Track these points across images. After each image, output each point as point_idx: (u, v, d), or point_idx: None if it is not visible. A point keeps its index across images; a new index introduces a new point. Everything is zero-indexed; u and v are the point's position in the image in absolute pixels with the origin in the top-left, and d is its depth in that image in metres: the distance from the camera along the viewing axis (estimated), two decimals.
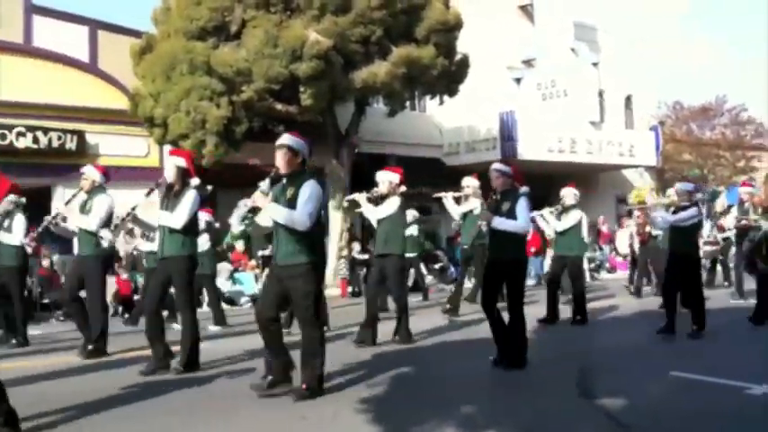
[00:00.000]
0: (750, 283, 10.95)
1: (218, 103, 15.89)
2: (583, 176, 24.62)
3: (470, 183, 11.24)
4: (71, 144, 16.95)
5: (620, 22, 26.89)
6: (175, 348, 7.23)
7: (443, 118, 22.49)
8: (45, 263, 14.93)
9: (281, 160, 5.83)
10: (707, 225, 14.69)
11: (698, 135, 33.38)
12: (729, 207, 13.64)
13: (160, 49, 16.52)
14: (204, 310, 12.57)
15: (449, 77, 17.62)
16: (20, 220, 9.36)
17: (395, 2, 16.13)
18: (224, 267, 16.14)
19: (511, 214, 6.95)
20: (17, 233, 9.29)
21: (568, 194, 10.58)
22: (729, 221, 12.78)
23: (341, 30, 15.59)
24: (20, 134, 16.35)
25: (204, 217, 11.39)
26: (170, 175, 7.14)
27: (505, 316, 7.05)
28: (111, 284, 14.34)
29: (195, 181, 7.20)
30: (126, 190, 13.02)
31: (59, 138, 16.79)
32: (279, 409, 5.55)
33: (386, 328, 8.99)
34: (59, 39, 17.45)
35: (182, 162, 7.17)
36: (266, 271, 9.51)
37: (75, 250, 8.58)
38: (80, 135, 17.10)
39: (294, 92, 15.92)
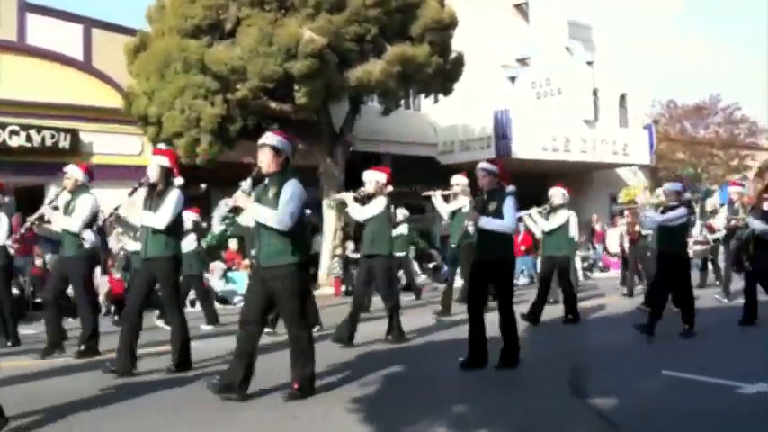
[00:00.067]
0: (740, 284, 10.96)
1: (213, 102, 15.86)
2: (577, 175, 24.71)
3: (459, 181, 11.17)
4: (65, 143, 16.88)
5: (616, 21, 26.99)
6: (166, 348, 7.23)
7: (438, 116, 22.49)
8: (38, 262, 14.89)
9: (263, 160, 5.79)
10: (697, 225, 14.72)
11: (692, 134, 33.44)
12: (722, 206, 13.66)
13: (154, 48, 16.49)
14: (196, 309, 12.57)
15: (443, 76, 17.62)
16: (2, 221, 9.19)
17: (389, 0, 16.12)
18: (217, 266, 16.14)
19: (497, 214, 6.93)
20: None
21: (557, 194, 10.57)
22: (720, 222, 12.79)
23: (335, 28, 15.57)
24: (13, 133, 16.27)
25: (191, 217, 11.38)
26: (153, 174, 7.05)
27: (493, 316, 7.06)
28: (104, 284, 14.36)
29: (179, 181, 7.14)
30: (120, 189, 12.93)
31: (53, 136, 16.72)
32: (270, 408, 5.55)
33: (374, 328, 9.00)
34: (53, 37, 17.38)
35: (165, 161, 7.11)
36: None
37: None
38: (74, 133, 17.03)
39: (289, 90, 15.90)
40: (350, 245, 17.99)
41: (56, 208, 8.41)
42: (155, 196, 7.01)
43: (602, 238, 21.51)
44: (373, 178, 8.65)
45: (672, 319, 8.79)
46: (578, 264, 19.63)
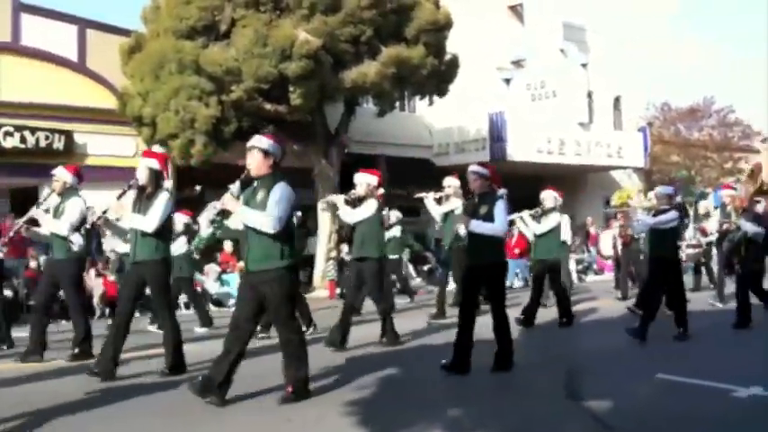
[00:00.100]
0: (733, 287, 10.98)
1: (207, 103, 15.83)
2: (571, 177, 24.74)
3: (451, 183, 11.13)
4: (59, 144, 16.84)
5: (610, 23, 26.98)
6: (156, 351, 7.19)
7: (433, 118, 22.51)
8: (32, 264, 14.84)
9: (252, 162, 5.75)
10: (690, 228, 14.74)
11: (686, 136, 33.55)
12: (716, 208, 13.67)
13: (149, 49, 16.46)
14: (190, 312, 12.54)
15: (438, 77, 17.63)
16: None
17: (384, 1, 16.12)
18: (212, 269, 16.11)
19: (488, 217, 6.89)
20: None
21: (548, 197, 10.56)
22: (712, 225, 12.80)
23: (330, 29, 15.57)
24: (7, 134, 16.22)
25: (183, 219, 11.34)
26: (142, 177, 6.98)
27: (483, 320, 7.04)
28: (99, 286, 14.32)
29: (168, 183, 7.12)
30: (114, 190, 12.86)
31: (47, 137, 16.68)
32: (264, 411, 5.54)
33: (368, 331, 8.99)
34: (48, 37, 17.34)
35: (154, 164, 7.03)
36: None
37: None
38: (68, 135, 16.99)
39: (283, 91, 15.89)
40: (344, 247, 17.97)
41: (46, 210, 8.34)
42: (144, 199, 6.94)
43: (596, 240, 21.54)
44: (364, 181, 8.60)
45: (665, 322, 8.80)
46: (573, 267, 19.68)
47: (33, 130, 16.53)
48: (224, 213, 5.90)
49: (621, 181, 27.57)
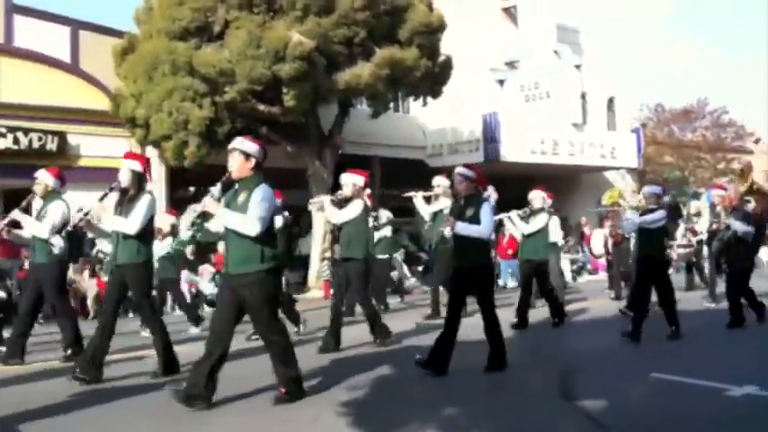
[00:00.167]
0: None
1: (201, 104, 15.82)
2: (565, 178, 24.79)
3: (441, 182, 11.07)
4: (52, 145, 16.81)
5: (604, 24, 27.13)
6: (145, 352, 7.15)
7: (427, 119, 22.52)
8: (27, 265, 14.79)
9: (233, 164, 5.70)
10: (681, 227, 14.77)
11: (679, 137, 33.63)
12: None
13: (142, 50, 16.44)
14: (180, 313, 12.50)
15: (432, 79, 17.65)
16: None
17: (378, 3, 16.14)
18: (207, 269, 16.09)
19: (474, 219, 6.85)
20: None
21: (536, 197, 10.54)
22: (703, 225, 12.82)
23: (324, 31, 15.57)
24: (0, 135, 16.19)
25: (169, 220, 11.33)
26: (125, 179, 6.92)
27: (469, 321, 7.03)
28: (92, 287, 14.29)
29: (151, 185, 7.05)
30: None
31: (40, 138, 16.65)
32: (258, 412, 5.53)
33: (361, 332, 8.97)
34: (41, 39, 17.30)
35: (137, 166, 6.98)
36: None
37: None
38: (61, 136, 16.96)
39: (277, 93, 15.88)
40: (338, 248, 17.92)
41: (26, 212, 8.24)
42: (126, 201, 6.88)
43: (590, 240, 21.58)
44: (350, 181, 8.55)
45: (659, 322, 8.80)
46: (567, 267, 19.70)
47: (26, 132, 16.49)
48: (204, 216, 5.81)
49: (615, 181, 27.62)
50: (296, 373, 5.79)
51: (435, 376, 6.59)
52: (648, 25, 60.11)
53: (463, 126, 22.27)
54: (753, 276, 9.79)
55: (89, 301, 14.17)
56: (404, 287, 16.76)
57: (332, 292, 9.35)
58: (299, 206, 13.30)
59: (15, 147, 16.32)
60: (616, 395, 5.82)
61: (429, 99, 18.57)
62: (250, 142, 5.82)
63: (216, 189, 5.73)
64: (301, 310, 13.19)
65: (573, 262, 20.73)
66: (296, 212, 11.42)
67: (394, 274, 18.04)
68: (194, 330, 10.88)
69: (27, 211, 8.33)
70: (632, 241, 11.95)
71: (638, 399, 5.77)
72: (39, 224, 7.98)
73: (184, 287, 14.72)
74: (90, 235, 8.95)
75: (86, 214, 7.21)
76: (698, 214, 13.82)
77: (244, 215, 5.52)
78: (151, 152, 17.77)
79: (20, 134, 16.40)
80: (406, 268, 18.69)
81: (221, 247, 16.70)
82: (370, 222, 11.90)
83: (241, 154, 5.70)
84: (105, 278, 14.37)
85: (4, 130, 16.21)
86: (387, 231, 14.29)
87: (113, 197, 7.05)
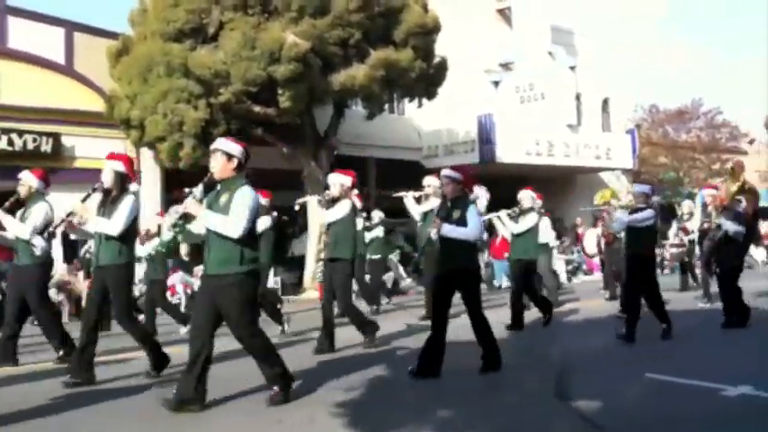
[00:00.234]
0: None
1: (196, 106, 15.81)
2: (560, 179, 24.82)
3: (431, 182, 10.98)
4: (46, 146, 16.77)
5: (599, 26, 27.10)
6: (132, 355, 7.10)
7: (422, 121, 22.54)
8: None
9: (215, 165, 5.66)
10: (673, 227, 14.80)
11: (674, 138, 33.75)
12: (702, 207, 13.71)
13: (137, 51, 16.43)
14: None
15: (427, 80, 17.67)
16: None
17: (373, 5, 16.15)
18: (200, 270, 16.03)
19: (461, 222, 6.80)
20: None
21: (525, 197, 10.50)
22: (694, 224, 12.84)
23: (319, 32, 15.58)
24: None
25: (158, 221, 11.29)
26: (108, 179, 6.83)
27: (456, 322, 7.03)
28: (87, 288, 14.24)
29: (134, 186, 6.98)
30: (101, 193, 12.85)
31: (35, 140, 16.61)
32: (254, 413, 5.52)
33: (355, 332, 8.95)
34: (35, 40, 17.27)
35: (120, 166, 6.88)
36: None
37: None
38: (56, 137, 16.92)
39: (272, 94, 15.89)
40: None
41: (9, 212, 8.14)
42: (108, 202, 6.81)
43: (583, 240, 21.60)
44: (338, 181, 8.49)
45: (653, 322, 8.80)
46: (563, 267, 19.71)
47: (21, 133, 16.46)
48: (186, 217, 5.75)
49: (610, 182, 27.65)
50: (282, 369, 5.73)
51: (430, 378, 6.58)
52: (643, 26, 60.26)
53: (458, 127, 22.30)
54: (750, 277, 9.79)
55: (84, 303, 14.12)
56: (399, 288, 16.72)
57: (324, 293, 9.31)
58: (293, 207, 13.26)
59: (10, 148, 16.27)
60: (611, 395, 5.82)
61: (424, 100, 18.59)
62: (232, 143, 5.79)
63: (198, 190, 5.68)
64: (296, 311, 13.24)
65: (568, 262, 20.75)
66: (291, 213, 11.39)
67: (390, 275, 18.07)
68: (185, 330, 10.84)
69: (12, 212, 8.21)
70: (623, 241, 11.96)
71: (633, 399, 5.77)
72: (20, 225, 7.91)
73: (180, 288, 14.71)
74: (72, 236, 8.85)
75: (69, 215, 7.11)
76: (691, 214, 13.84)
77: (225, 216, 5.48)
78: (146, 154, 17.79)
79: (14, 136, 16.36)
80: (401, 269, 18.70)
81: None
82: (361, 223, 11.91)
83: (223, 155, 5.65)
84: None
85: None
86: (379, 232, 14.28)
87: (96, 198, 6.96)
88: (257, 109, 16.55)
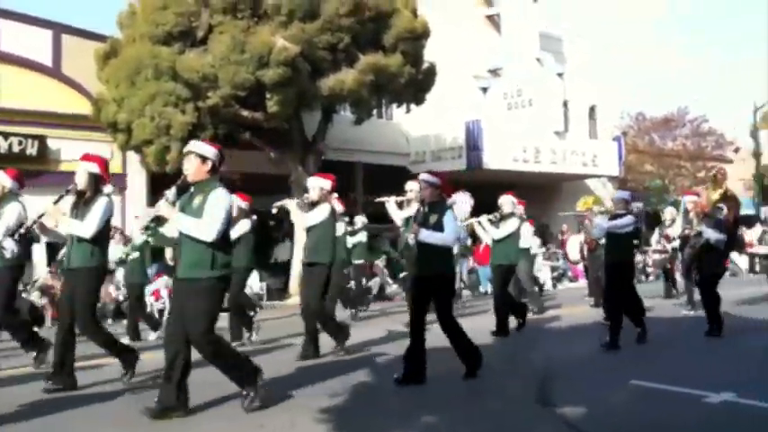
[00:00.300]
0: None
1: (184, 109, 15.77)
2: (547, 186, 24.91)
3: (413, 187, 10.91)
4: (32, 149, 16.69)
5: (595, 28, 27.35)
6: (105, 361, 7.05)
7: (410, 126, 22.56)
8: None
9: (189, 168, 5.58)
10: (656, 233, 14.89)
11: (660, 146, 33.95)
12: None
13: (125, 54, 16.37)
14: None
15: (416, 86, 17.70)
16: None
17: (362, 9, 16.16)
18: None
19: (438, 227, 6.77)
20: None
21: (506, 202, 10.49)
22: (675, 230, 12.92)
23: (308, 36, 15.57)
24: None
25: (136, 224, 11.23)
26: (81, 181, 6.71)
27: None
28: None
29: (108, 188, 6.86)
30: None
31: (20, 143, 16.52)
32: (235, 418, 5.49)
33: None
34: (22, 42, 17.19)
35: (94, 168, 6.79)
36: None
37: (34, 257, 8.28)
38: (41, 140, 16.83)
39: (260, 98, 15.86)
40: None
41: None
42: (81, 204, 6.71)
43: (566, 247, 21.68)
44: (317, 185, 8.43)
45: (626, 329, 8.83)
46: (548, 274, 19.76)
47: (6, 136, 16.37)
48: (159, 220, 5.67)
49: (596, 189, 27.77)
50: (247, 370, 5.66)
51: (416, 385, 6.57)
52: (640, 28, 60.67)
53: (446, 133, 22.34)
54: (734, 284, 9.83)
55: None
56: (385, 293, 16.69)
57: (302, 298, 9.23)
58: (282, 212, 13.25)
59: None
60: (595, 402, 5.84)
61: (412, 106, 18.62)
62: (207, 145, 5.76)
63: (170, 192, 5.60)
64: (281, 317, 13.22)
65: (553, 269, 20.81)
66: (278, 218, 11.35)
67: (376, 281, 18.08)
68: (153, 336, 10.76)
69: None
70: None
71: (618, 405, 5.80)
72: None
73: (164, 293, 14.61)
74: (44, 238, 8.71)
75: (40, 217, 7.01)
76: (673, 220, 13.94)
77: (198, 219, 5.41)
78: (132, 157, 17.73)
79: None
80: (386, 274, 18.71)
81: None
82: (342, 228, 11.87)
83: (197, 157, 5.59)
84: None
85: None
86: (362, 237, 14.25)
87: (69, 200, 6.86)
88: (245, 113, 16.52)
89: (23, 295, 13.89)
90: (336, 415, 5.52)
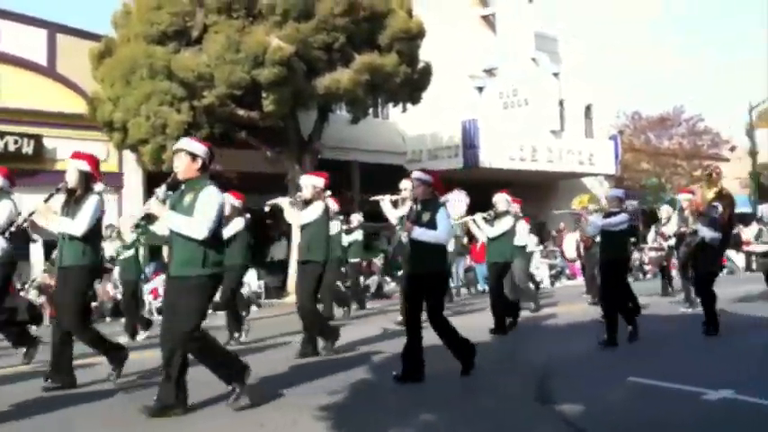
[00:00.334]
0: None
1: (179, 109, 15.75)
2: (544, 184, 24.94)
3: (407, 185, 10.92)
4: (28, 148, 16.66)
5: (590, 28, 27.40)
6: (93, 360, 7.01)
7: (406, 125, 22.58)
8: None
9: (179, 165, 5.55)
10: (652, 232, 14.90)
11: (656, 144, 33.99)
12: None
13: (120, 53, 16.35)
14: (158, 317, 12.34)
15: (411, 85, 17.71)
16: None
17: (357, 9, 16.16)
18: None
19: (431, 224, 6.75)
20: None
21: (500, 200, 10.47)
22: (670, 228, 12.93)
23: (303, 36, 15.57)
24: None
25: (128, 222, 11.21)
26: (72, 179, 6.66)
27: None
28: None
29: (99, 186, 6.82)
30: None
31: (16, 142, 16.50)
32: (235, 416, 5.47)
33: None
34: (17, 41, 17.16)
35: (84, 166, 6.73)
36: None
37: (31, 256, 8.28)
38: (37, 139, 16.81)
39: (256, 98, 15.85)
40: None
41: None
42: (72, 202, 6.66)
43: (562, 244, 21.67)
44: (310, 183, 8.40)
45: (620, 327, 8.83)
46: (546, 272, 19.77)
47: (2, 135, 16.37)
48: (149, 218, 5.63)
49: (593, 188, 27.83)
50: (239, 365, 5.62)
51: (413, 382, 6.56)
52: (635, 28, 60.78)
53: (442, 132, 22.36)
54: (731, 282, 9.84)
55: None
56: (383, 291, 16.67)
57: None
58: (280, 211, 13.24)
59: None
60: (593, 399, 5.83)
61: (408, 105, 18.64)
62: (197, 143, 5.74)
63: (161, 190, 5.57)
64: (279, 315, 13.21)
65: (551, 267, 20.82)
66: (273, 217, 11.34)
67: (374, 279, 18.09)
68: (123, 339, 10.56)
69: None
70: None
71: (616, 403, 5.79)
72: None
73: (162, 291, 14.59)
74: (35, 237, 8.67)
75: (31, 215, 6.96)
76: (669, 219, 13.96)
77: (189, 217, 5.37)
78: (128, 156, 17.70)
79: None
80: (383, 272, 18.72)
81: None
82: (338, 226, 11.84)
83: (187, 155, 5.56)
84: None
85: None
86: (358, 235, 14.25)
87: (60, 198, 6.83)
88: (241, 112, 16.50)
89: (21, 294, 13.89)
90: (336, 413, 5.50)
